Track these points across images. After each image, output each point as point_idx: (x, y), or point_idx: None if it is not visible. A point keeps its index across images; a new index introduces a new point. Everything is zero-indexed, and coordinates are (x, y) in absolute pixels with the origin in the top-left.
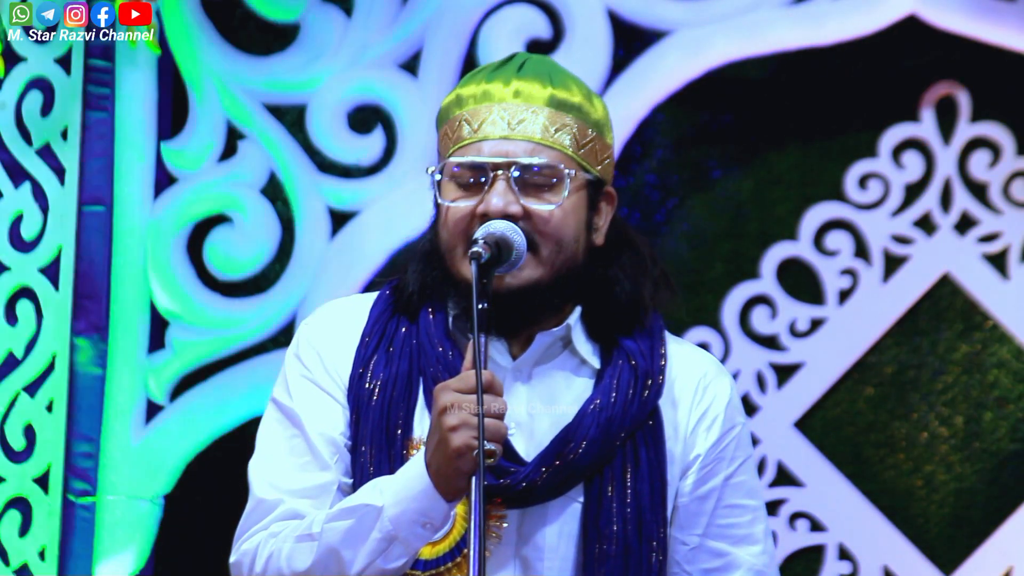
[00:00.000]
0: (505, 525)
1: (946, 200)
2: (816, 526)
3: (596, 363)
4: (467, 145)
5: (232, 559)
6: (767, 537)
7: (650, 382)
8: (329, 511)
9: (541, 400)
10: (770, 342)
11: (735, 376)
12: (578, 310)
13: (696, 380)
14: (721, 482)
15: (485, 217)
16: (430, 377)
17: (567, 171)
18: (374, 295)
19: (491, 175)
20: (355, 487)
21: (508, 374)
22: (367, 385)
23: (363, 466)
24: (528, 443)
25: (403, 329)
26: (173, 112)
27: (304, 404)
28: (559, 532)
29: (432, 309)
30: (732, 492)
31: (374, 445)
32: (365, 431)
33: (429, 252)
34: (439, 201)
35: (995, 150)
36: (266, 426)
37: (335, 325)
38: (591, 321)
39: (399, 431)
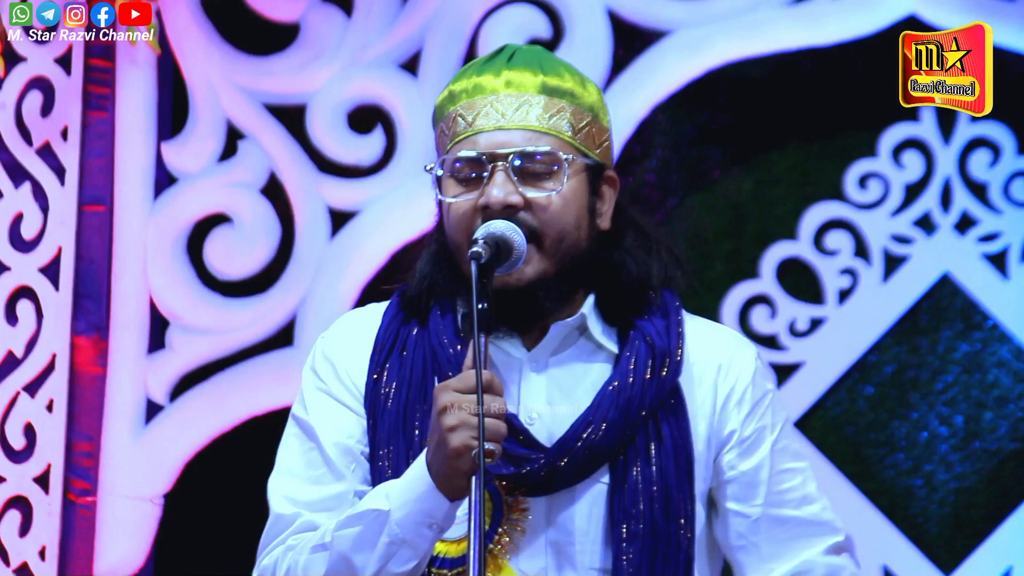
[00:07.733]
0: (529, 516)
1: (946, 200)
2: None
3: (614, 348)
4: (463, 139)
5: (254, 575)
6: (821, 493)
7: (668, 361)
8: (339, 519)
9: (560, 389)
10: (770, 342)
11: None
12: (591, 298)
13: (718, 358)
14: (769, 450)
15: (487, 209)
16: (444, 378)
17: (565, 157)
18: (387, 303)
19: (489, 167)
20: None
21: (525, 364)
22: (383, 389)
23: (382, 470)
24: (550, 431)
25: (415, 331)
26: (173, 112)
27: (318, 415)
28: (588, 515)
29: (441, 309)
30: (781, 457)
31: (392, 447)
32: (383, 434)
33: (436, 252)
34: (440, 198)
35: (995, 150)
36: (284, 442)
37: (349, 335)
38: (604, 307)
39: (416, 432)
